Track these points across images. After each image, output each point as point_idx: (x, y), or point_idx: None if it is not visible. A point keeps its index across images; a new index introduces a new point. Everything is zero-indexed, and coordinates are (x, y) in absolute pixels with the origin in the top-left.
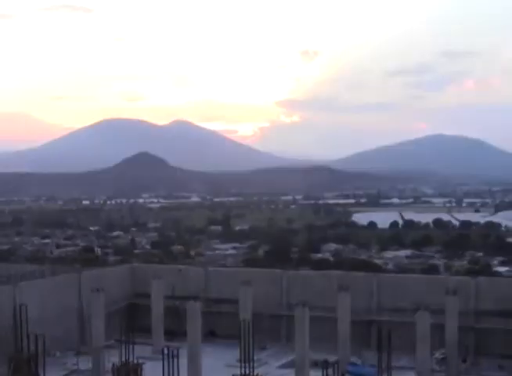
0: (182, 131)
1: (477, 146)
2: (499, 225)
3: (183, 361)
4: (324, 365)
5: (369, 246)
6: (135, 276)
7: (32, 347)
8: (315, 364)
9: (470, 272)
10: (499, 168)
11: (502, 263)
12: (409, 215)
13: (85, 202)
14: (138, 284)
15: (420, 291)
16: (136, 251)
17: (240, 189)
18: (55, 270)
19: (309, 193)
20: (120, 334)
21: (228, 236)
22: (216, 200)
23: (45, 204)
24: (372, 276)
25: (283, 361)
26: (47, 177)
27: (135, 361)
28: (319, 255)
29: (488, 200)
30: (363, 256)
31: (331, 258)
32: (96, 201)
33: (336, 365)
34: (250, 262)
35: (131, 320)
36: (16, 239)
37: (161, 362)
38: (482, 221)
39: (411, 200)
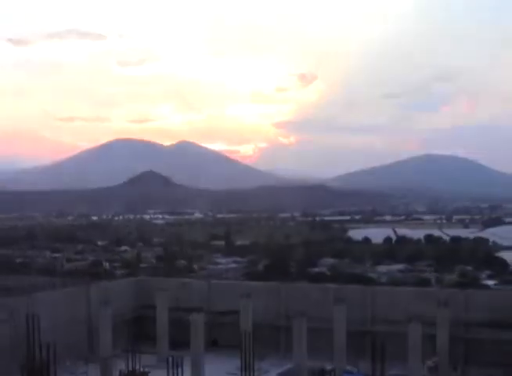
0: (186, 151)
1: (466, 164)
2: (487, 240)
3: (187, 369)
4: (321, 373)
5: (363, 260)
6: (141, 289)
7: (44, 356)
8: (313, 373)
9: (459, 285)
10: (486, 185)
11: (490, 277)
12: (402, 231)
13: (94, 218)
14: (143, 296)
15: (413, 302)
16: (142, 265)
17: (241, 206)
18: (65, 283)
19: (306, 210)
20: (127, 344)
21: (230, 250)
22: (218, 216)
23: (55, 220)
24: (366, 289)
25: (282, 369)
26: (57, 194)
27: (141, 369)
28: (316, 269)
29: (476, 217)
30: (358, 270)
31: (327, 272)
32: (104, 217)
33: (332, 373)
34: (250, 275)
35: (138, 331)
36: (29, 253)
37: (166, 370)
38: (471, 236)
39: (403, 216)
